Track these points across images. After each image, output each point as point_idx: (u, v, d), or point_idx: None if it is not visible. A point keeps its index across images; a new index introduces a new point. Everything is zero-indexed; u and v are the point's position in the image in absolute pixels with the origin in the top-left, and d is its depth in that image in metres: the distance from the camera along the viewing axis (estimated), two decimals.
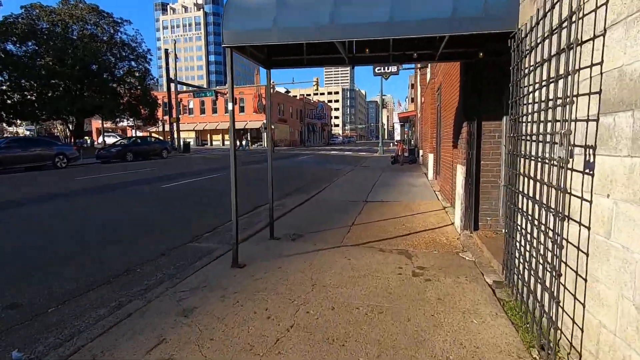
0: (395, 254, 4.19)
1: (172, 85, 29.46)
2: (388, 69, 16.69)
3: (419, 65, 17.52)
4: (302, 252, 4.30)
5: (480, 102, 4.49)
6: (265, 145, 50.16)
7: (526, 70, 2.64)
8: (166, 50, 30.87)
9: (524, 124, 2.68)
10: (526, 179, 2.62)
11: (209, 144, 55.01)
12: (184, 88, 31.83)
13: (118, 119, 33.65)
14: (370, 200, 7.75)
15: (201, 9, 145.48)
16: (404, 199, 7.76)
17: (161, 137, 46.82)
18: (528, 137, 2.59)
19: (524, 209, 2.64)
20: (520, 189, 2.73)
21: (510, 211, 2.97)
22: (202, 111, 54.33)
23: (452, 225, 5.38)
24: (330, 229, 5.41)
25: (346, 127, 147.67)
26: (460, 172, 4.80)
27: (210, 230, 5.79)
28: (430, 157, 10.66)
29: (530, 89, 2.53)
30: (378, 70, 16.83)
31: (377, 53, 4.58)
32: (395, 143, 23.06)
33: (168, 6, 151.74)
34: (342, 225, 5.58)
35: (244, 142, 40.37)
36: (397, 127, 31.76)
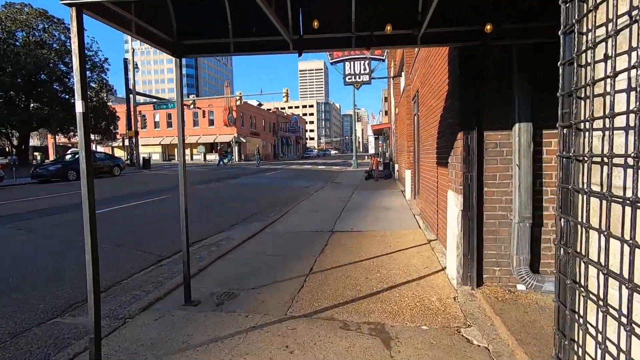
0: (366, 336, 2.70)
1: (134, 97, 27.29)
2: (359, 78, 15.58)
3: (392, 74, 16.56)
4: (223, 336, 2.74)
5: (481, 105, 3.16)
6: (237, 160, 48.15)
7: (601, 33, 1.27)
8: (125, 60, 28.75)
9: (594, 133, 1.30)
10: (596, 236, 1.22)
11: (175, 158, 52.27)
12: (147, 100, 29.62)
13: (72, 133, 30.83)
14: (338, 230, 6.28)
15: None
16: (379, 227, 6.35)
17: (122, 153, 43.99)
18: (602, 158, 1.20)
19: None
20: (583, 251, 1.33)
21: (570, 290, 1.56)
22: (169, 124, 51.73)
23: (444, 272, 3.97)
24: (278, 281, 3.87)
25: (321, 140, 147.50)
26: (455, 202, 3.42)
27: (111, 285, 4.10)
28: (408, 175, 9.40)
29: (617, 66, 1.15)
30: (349, 79, 15.69)
31: (334, 34, 3.18)
32: (369, 156, 21.90)
33: None
34: (295, 275, 4.06)
35: (225, 160, 37.20)
36: (371, 140, 30.83)
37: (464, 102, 3.23)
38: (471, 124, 3.18)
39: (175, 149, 52.17)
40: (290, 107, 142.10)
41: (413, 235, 5.74)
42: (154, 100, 27.69)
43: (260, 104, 65.18)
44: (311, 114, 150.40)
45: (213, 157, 50.82)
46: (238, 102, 26.24)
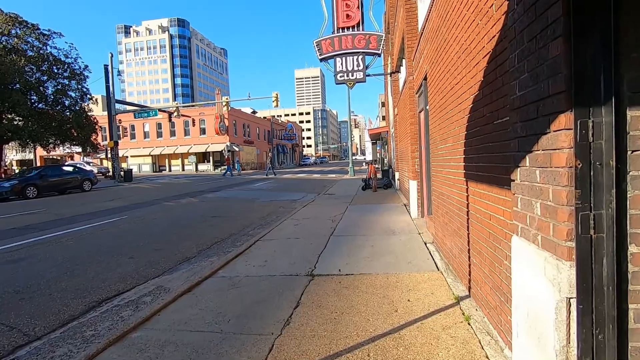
0: None
1: (118, 106, 25.47)
2: (352, 75, 13.77)
3: (389, 71, 14.76)
4: None
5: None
6: (240, 171, 46.23)
7: None
8: (105, 67, 26.96)
9: None
10: None
11: (167, 169, 50.38)
12: (134, 109, 27.77)
13: (52, 145, 28.94)
14: (320, 273, 4.37)
15: (166, 32, 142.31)
16: (380, 268, 4.44)
17: (109, 164, 42.07)
18: None
19: None
20: None
21: None
22: (159, 134, 49.96)
23: None
24: None
25: (318, 148, 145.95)
26: (549, 275, 1.51)
27: None
28: (413, 187, 7.51)
29: None
30: (340, 77, 13.87)
31: None
32: (366, 163, 20.03)
33: (131, 29, 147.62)
34: None
35: (235, 170, 34.60)
36: (369, 146, 29.03)
37: (581, 47, 1.35)
38: (597, 96, 1.29)
39: (166, 159, 50.34)
40: (286, 115, 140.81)
41: (430, 284, 3.83)
42: (135, 108, 25.76)
43: (254, 112, 63.53)
44: (308, 121, 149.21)
45: (205, 166, 49.00)
46: (225, 108, 24.45)
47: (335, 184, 19.52)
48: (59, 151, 42.59)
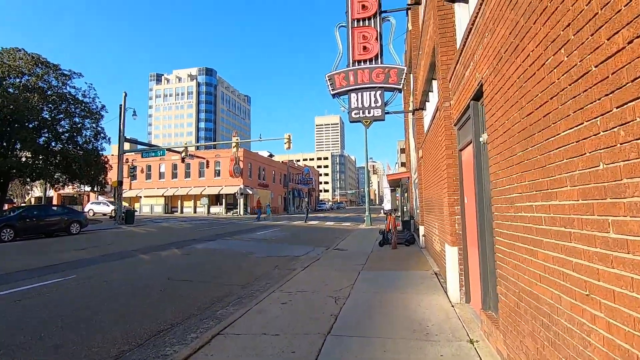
0: None
1: (121, 145, 24.79)
2: (369, 113, 12.03)
3: (410, 107, 12.99)
4: None
5: None
6: (241, 214, 44.54)
7: None
8: (120, 106, 26.78)
9: None
10: None
11: (179, 210, 49.23)
12: (139, 147, 27.00)
13: (61, 183, 28.25)
14: None
15: (194, 80, 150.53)
16: None
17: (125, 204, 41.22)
18: None
19: None
20: None
21: None
22: (174, 175, 49.54)
23: None
24: None
25: (336, 193, 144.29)
26: None
27: None
28: (452, 255, 5.17)
29: None
30: (355, 114, 12.17)
31: None
32: (384, 213, 17.74)
33: (163, 77, 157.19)
34: None
35: (265, 214, 33.68)
36: (387, 193, 26.81)
37: None
38: None
39: (179, 201, 49.36)
40: (304, 159, 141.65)
41: None
42: (144, 147, 24.94)
43: (271, 155, 63.17)
44: (326, 166, 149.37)
45: (217, 209, 47.60)
46: (235, 149, 23.21)
47: (349, 235, 17.17)
48: (73, 189, 42.37)
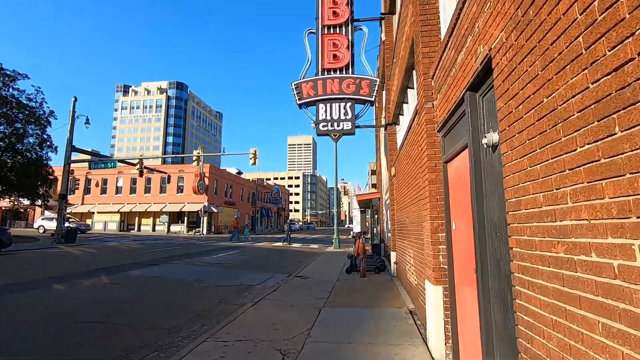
0: None
1: (68, 154, 22.31)
2: (338, 126, 11.02)
3: (382, 121, 12.12)
4: None
5: None
6: (204, 233, 41.90)
7: None
8: (70, 113, 24.38)
9: None
10: None
11: (135, 228, 45.72)
12: (87, 158, 24.43)
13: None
14: None
15: (164, 93, 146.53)
16: None
17: (77, 219, 37.52)
18: None
19: None
20: None
21: None
22: (133, 190, 46.28)
23: None
24: None
25: (306, 213, 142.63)
26: None
27: None
28: (434, 295, 3.98)
29: None
30: (323, 127, 11.12)
31: None
32: (353, 237, 16.60)
33: (130, 88, 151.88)
34: None
35: (243, 235, 31.55)
36: (357, 214, 25.80)
37: None
38: None
39: (136, 218, 45.91)
40: (275, 178, 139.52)
41: None
42: (93, 158, 22.55)
43: (239, 172, 61.13)
44: (297, 186, 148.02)
45: (178, 227, 44.65)
46: (194, 164, 21.49)
47: (315, 259, 15.79)
48: (10, 202, 38.18)
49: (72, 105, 21.84)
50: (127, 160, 24.56)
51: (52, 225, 35.84)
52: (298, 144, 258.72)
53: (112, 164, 22.08)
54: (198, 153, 22.50)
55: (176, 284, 9.02)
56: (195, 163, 21.60)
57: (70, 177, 22.10)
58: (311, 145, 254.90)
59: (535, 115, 1.78)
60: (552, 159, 1.63)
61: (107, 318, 5.91)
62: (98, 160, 22.08)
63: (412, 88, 7.41)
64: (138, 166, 22.11)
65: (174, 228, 44.59)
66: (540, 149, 1.74)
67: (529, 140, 1.85)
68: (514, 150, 2.03)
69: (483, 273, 2.77)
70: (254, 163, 20.97)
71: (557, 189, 1.60)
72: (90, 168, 22.76)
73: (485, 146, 2.66)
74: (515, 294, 2.05)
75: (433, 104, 4.30)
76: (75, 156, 25.32)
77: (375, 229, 20.63)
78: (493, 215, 2.65)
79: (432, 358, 3.97)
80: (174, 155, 23.89)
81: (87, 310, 6.36)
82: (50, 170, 26.41)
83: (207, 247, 21.50)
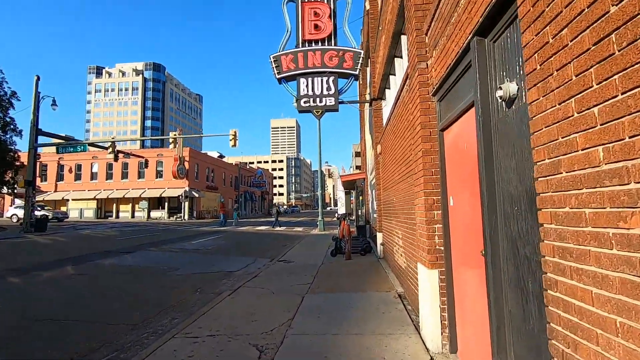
0: None
1: (34, 138, 20.82)
2: (320, 102, 10.38)
3: (367, 97, 11.53)
4: None
5: None
6: (186, 219, 40.93)
7: None
8: (38, 94, 22.70)
9: None
10: None
11: (114, 215, 44.26)
12: (54, 141, 22.85)
13: None
14: None
15: (140, 75, 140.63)
16: None
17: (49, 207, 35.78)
18: None
19: None
20: None
21: None
22: (109, 176, 44.53)
23: None
24: None
25: (291, 196, 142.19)
26: None
27: None
28: (429, 280, 3.55)
29: None
30: (305, 103, 10.46)
31: None
32: (337, 218, 16.21)
33: (104, 70, 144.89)
34: None
35: (232, 219, 30.32)
36: (342, 196, 25.44)
37: None
38: None
39: (114, 204, 44.37)
40: (259, 162, 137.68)
41: None
42: (61, 141, 21.07)
43: (221, 156, 59.67)
44: (281, 169, 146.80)
45: (159, 213, 43.45)
46: (172, 146, 20.49)
47: (299, 242, 15.37)
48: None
49: (35, 85, 20.26)
50: (99, 144, 23.15)
51: (20, 213, 34.06)
52: (281, 127, 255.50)
53: (83, 147, 20.75)
54: (175, 135, 21.44)
55: (149, 273, 8.40)
56: (172, 146, 20.57)
57: (37, 163, 20.67)
58: (295, 128, 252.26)
59: (594, 35, 1.25)
60: (627, 91, 1.11)
61: (66, 314, 5.30)
62: (67, 143, 20.69)
63: (400, 57, 6.85)
64: (110, 150, 20.87)
65: (155, 214, 43.37)
66: (602, 82, 1.22)
67: (579, 74, 1.33)
68: (551, 94, 1.51)
69: (494, 256, 2.31)
70: (234, 144, 20.12)
71: (633, 136, 1.10)
72: (58, 152, 21.37)
73: (500, 100, 2.15)
74: (548, 284, 1.58)
75: (427, 64, 3.76)
76: (44, 141, 23.78)
77: (360, 211, 20.35)
78: (508, 186, 2.16)
79: (427, 349, 3.57)
80: (149, 138, 22.77)
81: (42, 306, 5.71)
82: (16, 156, 24.79)
83: (187, 232, 20.78)
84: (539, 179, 1.64)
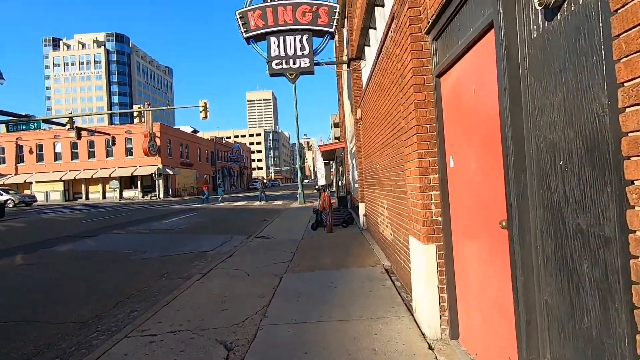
0: None
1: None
2: (294, 63, 9.47)
3: (345, 56, 10.66)
4: None
5: None
6: (161, 197, 39.44)
7: None
8: None
9: None
10: None
11: (83, 197, 42.18)
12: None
13: None
14: None
15: (102, 46, 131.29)
16: None
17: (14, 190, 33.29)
18: None
19: None
20: None
21: None
22: (74, 155, 41.96)
23: None
24: None
25: (270, 170, 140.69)
26: None
27: None
28: (425, 257, 3.04)
29: None
30: (277, 66, 9.52)
31: None
32: (317, 190, 15.71)
33: (61, 42, 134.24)
34: None
35: (217, 195, 29.62)
36: (321, 167, 24.81)
37: None
38: None
39: (82, 185, 42.15)
40: (236, 136, 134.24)
41: None
42: (10, 118, 18.97)
43: (195, 131, 57.39)
44: (259, 143, 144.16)
45: (132, 193, 41.67)
46: (137, 120, 18.99)
47: (278, 215, 14.81)
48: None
49: None
50: (55, 120, 21.17)
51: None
52: (257, 100, 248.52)
53: (36, 124, 18.88)
54: (139, 107, 19.80)
55: (111, 259, 7.62)
56: (137, 120, 19.03)
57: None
58: (271, 101, 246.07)
59: None
60: None
61: (3, 313, 4.53)
62: (18, 121, 18.80)
63: (382, 5, 6.03)
64: (68, 126, 19.13)
65: (127, 194, 41.58)
66: None
67: None
68: None
69: (522, 229, 1.73)
70: (205, 116, 18.83)
71: None
72: (8, 131, 19.43)
73: (539, 7, 1.48)
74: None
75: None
76: None
77: (340, 182, 19.87)
78: (547, 132, 1.55)
79: (423, 334, 3.09)
80: (110, 113, 21.09)
81: None
82: None
83: (159, 211, 19.78)
84: (628, 110, 1.02)
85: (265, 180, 58.58)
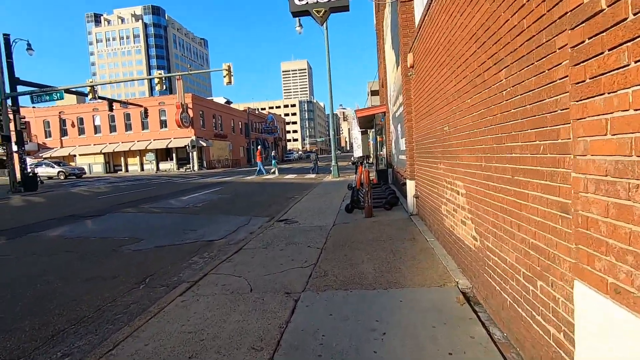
0: None
1: (2, 90, 18.35)
2: None
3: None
4: None
5: None
6: (195, 169, 39.23)
7: None
8: (6, 36, 19.80)
9: None
10: None
11: (123, 169, 43.10)
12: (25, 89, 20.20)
13: None
14: None
15: (140, 20, 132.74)
16: None
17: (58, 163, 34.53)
18: None
19: None
20: None
21: None
22: (113, 128, 42.54)
23: None
24: None
25: (305, 141, 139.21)
26: None
27: None
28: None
29: None
30: (300, 1, 7.29)
31: None
32: (353, 163, 13.59)
33: (102, 17, 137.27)
34: None
35: (271, 166, 27.07)
36: (357, 135, 22.48)
37: None
38: None
39: (122, 158, 42.97)
40: (270, 107, 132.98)
41: None
42: (34, 89, 18.38)
43: (228, 102, 56.37)
44: (294, 114, 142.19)
45: (168, 165, 41.91)
46: (158, 87, 17.67)
47: (309, 191, 13.02)
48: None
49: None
50: (75, 89, 20.39)
51: (43, 170, 32.15)
52: (292, 70, 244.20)
53: (59, 94, 18.18)
54: (160, 74, 18.46)
55: (97, 250, 6.20)
56: (158, 87, 17.72)
57: (18, 116, 18.41)
58: (306, 71, 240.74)
59: None
60: None
61: None
62: (40, 91, 18.18)
63: None
64: (90, 96, 18.29)
65: (163, 166, 41.89)
66: None
67: None
68: None
69: None
70: (230, 82, 17.08)
71: None
72: (33, 102, 18.93)
73: None
74: None
75: None
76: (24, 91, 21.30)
77: (380, 152, 17.58)
78: None
79: None
80: (122, 80, 19.94)
81: None
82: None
83: (185, 185, 18.76)
84: None
85: (312, 153, 55.32)
